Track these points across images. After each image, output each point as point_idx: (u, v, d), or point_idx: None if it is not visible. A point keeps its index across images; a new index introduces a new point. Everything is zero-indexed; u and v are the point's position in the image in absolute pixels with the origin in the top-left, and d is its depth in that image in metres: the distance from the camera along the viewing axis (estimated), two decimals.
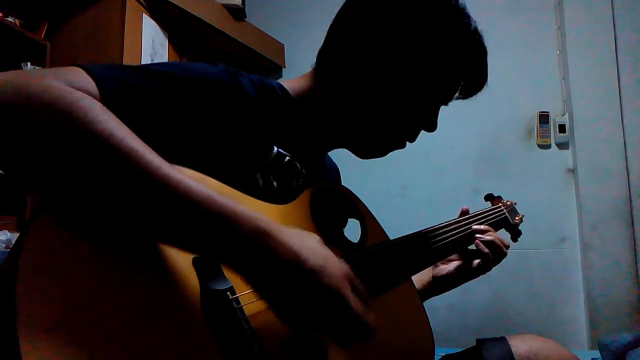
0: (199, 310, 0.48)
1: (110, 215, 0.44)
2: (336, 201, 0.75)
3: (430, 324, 0.73)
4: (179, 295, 0.47)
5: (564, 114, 2.14)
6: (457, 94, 0.77)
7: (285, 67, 2.48)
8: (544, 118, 2.15)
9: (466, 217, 0.94)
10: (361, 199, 0.78)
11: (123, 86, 0.52)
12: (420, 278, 0.95)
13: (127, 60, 1.73)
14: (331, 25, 0.74)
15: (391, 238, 0.77)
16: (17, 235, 0.67)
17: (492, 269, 0.90)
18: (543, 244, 2.07)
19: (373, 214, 0.78)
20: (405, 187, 2.25)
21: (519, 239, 1.08)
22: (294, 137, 0.72)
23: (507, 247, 0.92)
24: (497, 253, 0.89)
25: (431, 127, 0.77)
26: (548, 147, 2.15)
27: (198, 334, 0.47)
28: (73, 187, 0.42)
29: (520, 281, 2.06)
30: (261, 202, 0.61)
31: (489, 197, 1.11)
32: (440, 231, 0.86)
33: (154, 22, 1.92)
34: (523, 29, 2.22)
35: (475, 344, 0.82)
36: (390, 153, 0.79)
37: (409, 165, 2.17)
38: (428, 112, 0.75)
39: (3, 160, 0.42)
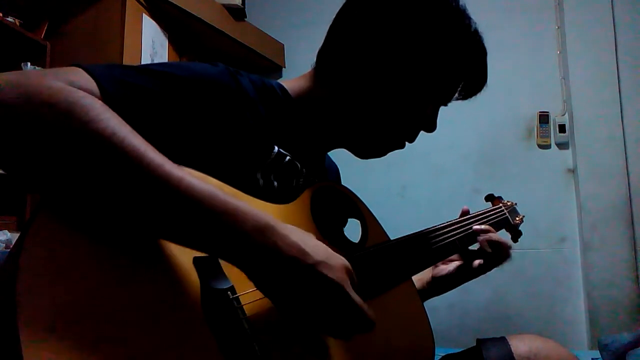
0: (199, 310, 0.48)
1: (111, 213, 0.44)
2: (337, 201, 0.75)
3: (431, 323, 0.73)
4: (180, 295, 0.47)
5: (564, 114, 2.14)
6: (456, 95, 0.77)
7: (285, 67, 2.49)
8: (544, 118, 2.15)
9: (467, 217, 0.93)
10: (361, 199, 0.78)
11: (123, 86, 0.52)
12: (420, 278, 0.95)
13: (127, 60, 1.73)
14: (331, 26, 0.74)
15: (391, 238, 0.77)
16: (17, 235, 0.67)
17: (492, 269, 0.90)
18: (543, 244, 2.07)
19: (373, 213, 0.78)
20: (405, 187, 2.25)
21: (519, 239, 1.08)
22: (294, 137, 0.72)
23: (510, 247, 0.92)
24: (501, 253, 0.88)
25: (431, 127, 0.77)
26: (548, 147, 2.15)
27: (198, 334, 0.47)
28: (75, 186, 0.43)
29: (520, 281, 2.06)
30: (262, 201, 0.62)
31: (490, 198, 1.11)
32: (441, 231, 0.86)
33: (154, 22, 1.92)
34: (523, 29, 2.22)
35: (475, 344, 0.82)
36: (390, 153, 0.79)
37: (409, 166, 2.17)
38: (427, 113, 0.75)
39: (4, 160, 0.42)
